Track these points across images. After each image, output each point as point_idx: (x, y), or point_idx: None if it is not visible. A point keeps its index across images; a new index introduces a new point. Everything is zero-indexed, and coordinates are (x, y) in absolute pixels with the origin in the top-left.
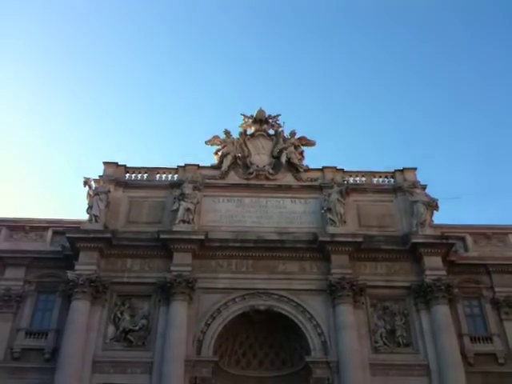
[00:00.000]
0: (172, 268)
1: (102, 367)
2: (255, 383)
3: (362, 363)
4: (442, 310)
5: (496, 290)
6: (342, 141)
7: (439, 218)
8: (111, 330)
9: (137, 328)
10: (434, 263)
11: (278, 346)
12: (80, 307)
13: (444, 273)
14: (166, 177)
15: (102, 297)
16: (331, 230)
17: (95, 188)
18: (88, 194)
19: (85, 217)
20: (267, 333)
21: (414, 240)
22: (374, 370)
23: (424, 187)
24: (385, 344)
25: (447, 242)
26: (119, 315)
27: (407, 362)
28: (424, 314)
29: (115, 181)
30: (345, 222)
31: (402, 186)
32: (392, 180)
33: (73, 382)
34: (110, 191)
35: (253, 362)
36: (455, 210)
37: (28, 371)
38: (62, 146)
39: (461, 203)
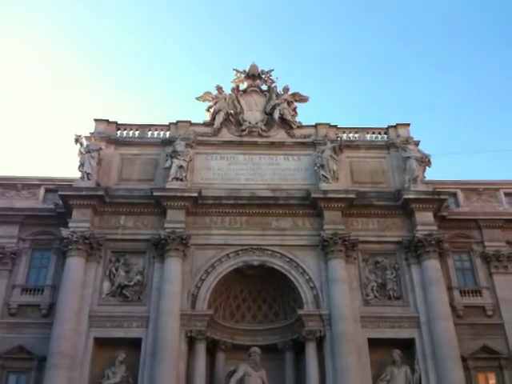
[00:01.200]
0: (166, 225)
1: (98, 322)
2: (249, 336)
3: (353, 316)
4: (433, 264)
5: (486, 244)
6: (336, 97)
7: (431, 173)
8: (106, 285)
9: (132, 283)
10: (425, 218)
11: (272, 300)
12: (75, 264)
13: (435, 228)
14: (158, 134)
15: (97, 253)
16: (324, 186)
17: (86, 145)
18: (79, 151)
19: (77, 175)
20: (261, 287)
21: (406, 196)
22: (364, 323)
23: (417, 143)
24: (376, 297)
25: (439, 197)
26: (114, 271)
27: (398, 314)
28: (415, 268)
29: (107, 138)
30: (337, 178)
31: (395, 142)
32: (385, 136)
33: (70, 336)
34: (101, 148)
35: (247, 316)
36: (447, 166)
37: (25, 326)
38: (53, 102)
39: (453, 159)
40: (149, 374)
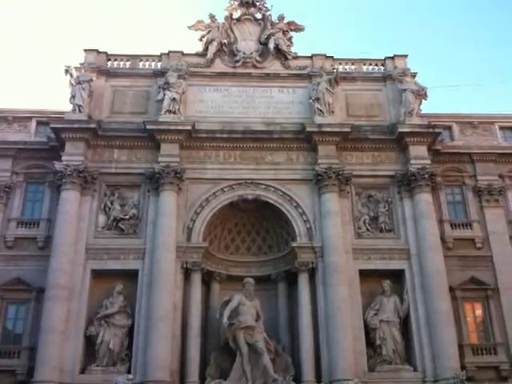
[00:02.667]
0: (160, 159)
1: (95, 254)
2: (243, 267)
3: (345, 248)
4: (425, 198)
5: (478, 178)
6: (332, 28)
7: (427, 107)
8: (102, 219)
9: (127, 217)
10: (419, 152)
11: (265, 233)
12: (70, 197)
13: (428, 162)
14: (150, 65)
15: (91, 187)
16: (319, 120)
17: (77, 77)
18: (70, 83)
19: (68, 107)
20: (255, 220)
21: (401, 129)
22: (356, 254)
23: (414, 75)
24: (368, 230)
25: (433, 131)
26: (109, 205)
27: (389, 246)
28: (407, 201)
29: (97, 69)
30: (333, 111)
31: (391, 74)
32: (382, 68)
33: (68, 268)
34: (92, 80)
35: (241, 248)
36: (443, 99)
37: (23, 259)
38: (42, 32)
39: (449, 92)
40: (146, 303)
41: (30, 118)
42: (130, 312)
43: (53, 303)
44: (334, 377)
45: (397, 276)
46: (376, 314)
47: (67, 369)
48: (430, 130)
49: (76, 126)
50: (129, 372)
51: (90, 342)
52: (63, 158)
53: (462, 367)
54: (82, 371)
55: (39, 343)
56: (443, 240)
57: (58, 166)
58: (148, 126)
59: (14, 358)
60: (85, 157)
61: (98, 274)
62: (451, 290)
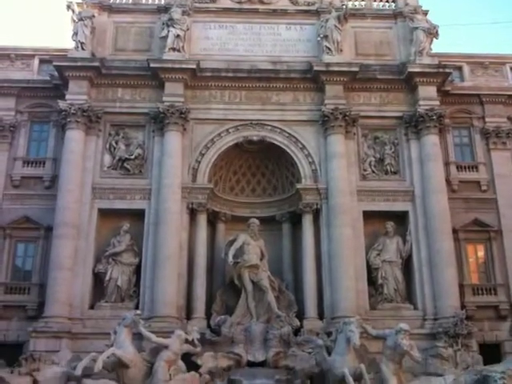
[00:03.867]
0: (164, 98)
1: (101, 194)
2: (248, 208)
3: (349, 190)
4: (432, 140)
5: (487, 120)
6: None
7: (438, 46)
8: (107, 158)
9: (133, 157)
10: (428, 93)
11: (270, 175)
12: (75, 137)
13: (437, 103)
14: (153, 0)
15: (96, 127)
16: (327, 58)
17: (79, 13)
18: (72, 19)
19: (72, 44)
20: (260, 162)
21: (411, 69)
22: (360, 196)
23: (426, 13)
24: (373, 172)
25: (444, 71)
26: (114, 145)
27: (393, 188)
28: (414, 143)
29: (99, 4)
30: (341, 50)
31: (402, 11)
32: (393, 4)
33: (75, 207)
34: (94, 16)
35: (246, 189)
36: (454, 39)
37: (29, 198)
38: None
39: (461, 32)
40: (153, 242)
41: (32, 56)
42: (137, 250)
43: (61, 241)
44: (335, 314)
45: (400, 217)
46: (379, 255)
47: (76, 304)
48: (441, 70)
49: (79, 63)
50: (136, 308)
51: (98, 279)
52: (67, 96)
53: (462, 306)
54: (91, 307)
55: (48, 280)
56: (448, 182)
57: (61, 104)
58: (152, 64)
59: (25, 294)
60: (88, 96)
61: (104, 214)
62: (454, 231)
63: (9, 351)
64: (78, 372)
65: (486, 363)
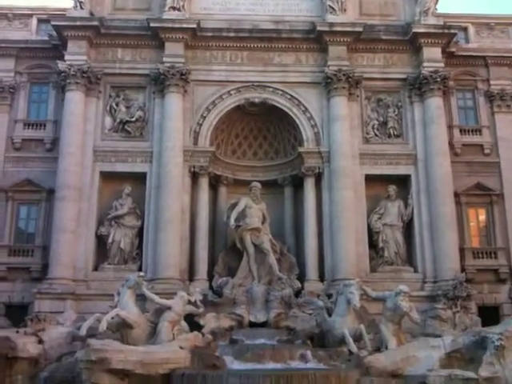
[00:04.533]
0: (164, 59)
1: (103, 156)
2: (250, 171)
3: (351, 153)
4: (436, 102)
5: (492, 82)
6: None
7: (443, 7)
8: (108, 121)
9: (133, 119)
10: (432, 54)
11: (272, 138)
12: (75, 98)
13: (442, 65)
14: None
15: (96, 88)
16: (330, 18)
17: None
18: None
19: (70, 4)
20: (262, 125)
21: (416, 30)
22: (363, 160)
23: None
24: (376, 135)
25: (449, 31)
26: (115, 106)
27: (396, 151)
28: (417, 105)
29: None
30: (345, 10)
31: None
32: None
33: (76, 170)
34: None
35: (248, 153)
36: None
37: (31, 160)
38: None
39: None
40: (155, 205)
41: (30, 16)
42: (139, 213)
43: (63, 204)
44: (336, 276)
45: (403, 181)
46: (380, 218)
47: (80, 266)
48: (446, 31)
49: (78, 23)
50: (139, 270)
51: (101, 242)
52: (66, 57)
53: (462, 269)
54: (95, 269)
55: (52, 242)
56: (451, 145)
57: (61, 65)
58: (151, 24)
59: (28, 257)
60: (88, 56)
61: (106, 176)
62: (456, 195)
63: (14, 312)
64: (83, 332)
65: (484, 325)
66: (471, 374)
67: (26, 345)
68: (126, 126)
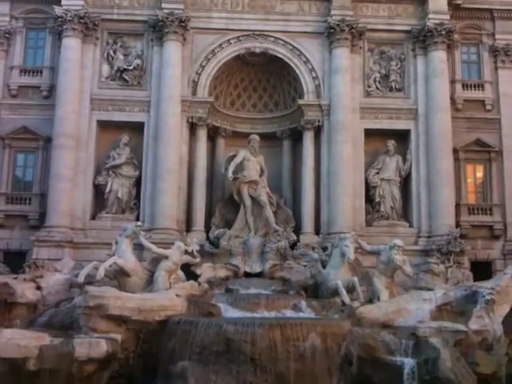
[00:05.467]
0: (163, 5)
1: (100, 105)
2: (249, 123)
3: (352, 106)
4: (439, 56)
5: (497, 37)
6: None
7: None
8: (106, 68)
9: (131, 67)
10: (438, 6)
11: (272, 90)
12: (72, 45)
13: (447, 17)
14: None
15: (93, 34)
16: None
17: None
18: None
19: None
20: (262, 76)
21: None
22: (363, 113)
23: None
24: (377, 88)
25: None
26: (112, 54)
27: (397, 106)
28: (420, 59)
29: None
30: None
31: None
32: None
33: (73, 118)
34: None
35: (247, 104)
36: None
37: (28, 108)
38: None
39: None
40: (152, 155)
41: None
42: (136, 164)
43: (60, 152)
44: (332, 230)
45: (402, 136)
46: (378, 173)
47: (78, 215)
48: None
49: None
50: (137, 220)
51: (99, 191)
52: (63, 1)
53: (457, 225)
54: (93, 218)
55: (49, 190)
56: (453, 100)
57: (57, 10)
58: None
59: (26, 205)
60: (85, 1)
61: (104, 125)
62: (455, 151)
63: (12, 259)
64: (81, 279)
65: (476, 280)
66: (461, 327)
67: (25, 291)
68: (123, 75)
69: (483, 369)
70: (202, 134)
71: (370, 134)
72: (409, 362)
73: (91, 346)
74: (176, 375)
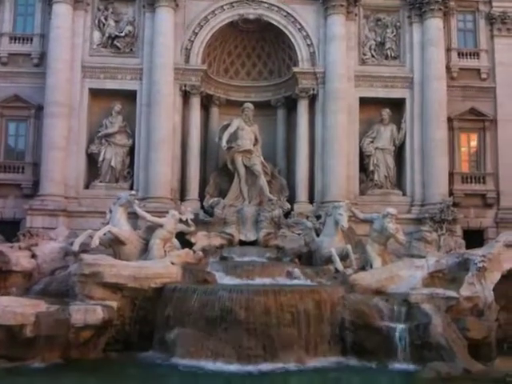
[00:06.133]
0: None
1: (92, 73)
2: (243, 92)
3: (347, 74)
4: (435, 24)
5: (494, 4)
6: None
7: None
8: (97, 35)
9: (123, 34)
10: None
11: (266, 57)
12: (62, 11)
13: None
14: None
15: (84, 1)
16: None
17: None
18: None
19: None
20: (255, 43)
21: None
22: (358, 82)
23: None
24: (373, 56)
25: None
26: (103, 21)
27: (392, 74)
28: (416, 26)
29: None
30: None
31: None
32: None
33: (65, 86)
34: None
35: (241, 72)
36: None
37: (19, 76)
38: None
39: None
40: (146, 124)
41: None
42: (129, 132)
43: (52, 120)
44: (325, 198)
45: (397, 105)
46: (372, 142)
47: (71, 184)
48: None
49: None
50: (131, 189)
51: (92, 160)
52: None
53: (450, 194)
54: (86, 187)
55: (42, 159)
56: (448, 69)
57: None
58: None
59: (19, 173)
60: None
61: (95, 93)
62: (449, 120)
63: (6, 228)
64: (76, 247)
65: (468, 248)
66: (452, 293)
67: (20, 259)
68: (115, 42)
69: (474, 334)
70: (196, 103)
71: (364, 102)
72: (400, 327)
73: (87, 312)
74: (172, 341)
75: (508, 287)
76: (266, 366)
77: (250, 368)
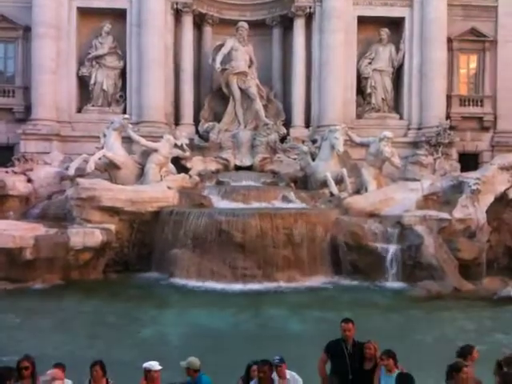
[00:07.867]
0: None
1: None
2: (237, 10)
3: None
4: None
5: None
6: None
7: None
8: None
9: None
10: None
11: None
12: None
13: None
14: None
15: None
16: None
17: None
18: None
19: None
20: None
21: None
22: None
23: None
24: None
25: None
26: None
27: None
28: None
29: None
30: None
31: None
32: None
33: (52, 5)
34: None
35: None
36: None
37: None
38: None
39: None
40: (137, 45)
41: None
42: (120, 54)
43: (41, 42)
44: (322, 122)
45: (396, 25)
46: (370, 63)
47: (63, 108)
48: None
49: None
50: (124, 113)
51: (83, 83)
52: None
53: (448, 117)
54: (79, 111)
55: (32, 83)
56: None
57: None
58: None
59: (10, 97)
60: None
61: (84, 13)
62: (449, 40)
63: (0, 153)
64: (71, 172)
65: (463, 171)
66: (445, 215)
67: (16, 183)
68: None
69: (464, 254)
70: (188, 22)
71: (362, 21)
72: (392, 248)
73: (86, 235)
74: (169, 261)
75: (501, 209)
76: (261, 286)
77: (246, 287)
